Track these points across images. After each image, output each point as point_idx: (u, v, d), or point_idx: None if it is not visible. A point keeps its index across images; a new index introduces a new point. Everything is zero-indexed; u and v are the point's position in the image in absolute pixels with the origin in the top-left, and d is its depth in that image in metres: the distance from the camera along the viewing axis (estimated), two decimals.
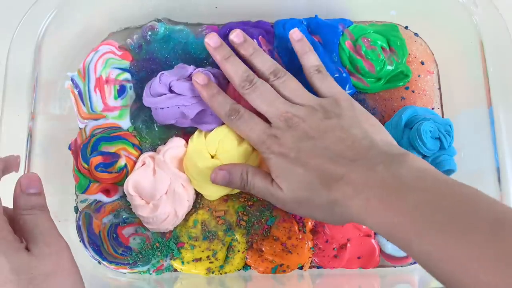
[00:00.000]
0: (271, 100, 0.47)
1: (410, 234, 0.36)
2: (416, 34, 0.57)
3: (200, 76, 0.48)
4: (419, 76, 0.56)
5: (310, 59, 0.50)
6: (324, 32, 0.55)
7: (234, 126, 0.48)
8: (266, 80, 0.48)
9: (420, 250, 0.35)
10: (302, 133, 0.44)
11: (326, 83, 0.48)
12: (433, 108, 0.55)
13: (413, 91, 0.56)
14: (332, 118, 0.45)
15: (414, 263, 0.52)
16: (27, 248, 0.36)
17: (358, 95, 0.55)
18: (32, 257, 0.35)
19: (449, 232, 0.34)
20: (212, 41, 0.49)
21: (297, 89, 0.48)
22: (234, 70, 0.48)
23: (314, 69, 0.49)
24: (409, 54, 0.56)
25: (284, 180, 0.44)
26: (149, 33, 0.54)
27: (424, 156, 0.50)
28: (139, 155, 0.52)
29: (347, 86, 0.53)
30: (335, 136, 0.44)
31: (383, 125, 0.53)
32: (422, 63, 0.56)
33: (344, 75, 0.53)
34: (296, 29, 0.51)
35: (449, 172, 0.51)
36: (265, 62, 0.49)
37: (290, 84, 0.48)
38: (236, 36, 0.49)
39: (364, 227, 0.51)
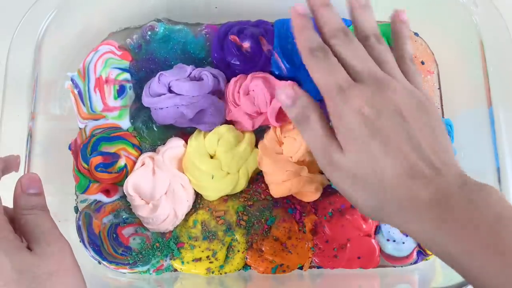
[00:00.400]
0: (364, 58, 0.40)
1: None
2: (416, 34, 0.57)
3: (301, 6, 0.42)
4: None
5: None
6: None
7: (313, 65, 0.39)
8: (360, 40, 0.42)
9: None
10: (393, 105, 0.37)
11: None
12: None
13: None
14: (424, 114, 0.38)
15: (415, 263, 0.52)
16: (28, 248, 0.36)
17: None
18: (35, 256, 0.35)
19: None
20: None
21: (392, 62, 0.41)
22: (331, 16, 0.41)
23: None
24: None
25: (353, 146, 0.36)
26: (149, 33, 0.54)
27: None
28: (139, 155, 0.53)
29: None
30: (426, 130, 0.37)
31: None
32: (422, 63, 0.56)
33: None
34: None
35: None
36: (370, 20, 0.43)
37: (387, 55, 0.41)
38: None
39: (364, 226, 0.51)
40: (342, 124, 0.37)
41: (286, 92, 0.40)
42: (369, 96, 0.37)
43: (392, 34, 0.44)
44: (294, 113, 0.40)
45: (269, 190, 0.52)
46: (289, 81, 0.51)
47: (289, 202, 0.52)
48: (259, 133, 0.53)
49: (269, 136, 0.52)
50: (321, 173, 0.51)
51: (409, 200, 0.35)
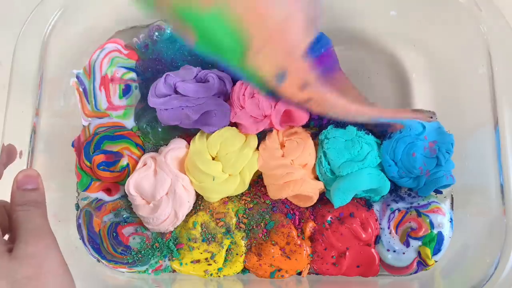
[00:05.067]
0: None
1: None
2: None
3: None
4: None
5: None
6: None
7: None
8: None
9: None
10: None
11: None
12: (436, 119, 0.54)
13: None
14: None
15: (415, 273, 0.52)
16: (9, 251, 0.35)
17: None
18: (14, 261, 0.34)
19: None
20: None
21: None
22: None
23: None
24: None
25: None
26: (156, 33, 0.54)
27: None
28: (142, 155, 0.52)
29: None
30: None
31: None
32: None
33: None
34: None
35: (446, 186, 0.51)
36: None
37: None
38: None
39: (364, 236, 0.51)
40: None
41: None
42: None
43: None
44: None
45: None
46: None
47: (288, 207, 0.52)
48: (261, 134, 0.53)
49: (271, 138, 0.51)
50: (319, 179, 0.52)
51: None
